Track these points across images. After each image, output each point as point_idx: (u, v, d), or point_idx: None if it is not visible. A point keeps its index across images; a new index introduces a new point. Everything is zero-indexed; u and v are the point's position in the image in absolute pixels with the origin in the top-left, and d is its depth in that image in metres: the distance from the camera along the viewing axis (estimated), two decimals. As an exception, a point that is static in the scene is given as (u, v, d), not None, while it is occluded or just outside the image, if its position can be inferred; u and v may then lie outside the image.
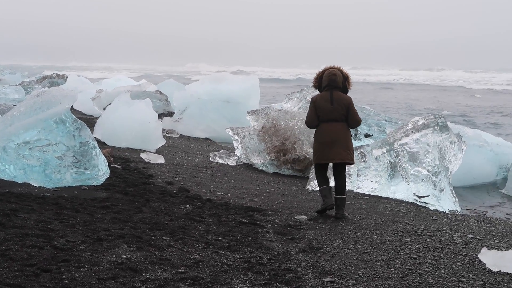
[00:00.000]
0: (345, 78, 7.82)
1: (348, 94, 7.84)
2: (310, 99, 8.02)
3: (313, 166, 9.03)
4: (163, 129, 14.39)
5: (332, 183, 7.80)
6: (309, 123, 7.79)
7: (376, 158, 9.45)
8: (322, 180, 7.75)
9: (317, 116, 7.65)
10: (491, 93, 48.63)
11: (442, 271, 5.58)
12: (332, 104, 7.55)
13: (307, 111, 7.87)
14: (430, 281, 5.25)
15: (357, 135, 12.97)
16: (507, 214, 9.82)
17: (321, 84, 7.83)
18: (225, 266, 5.24)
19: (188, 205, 7.51)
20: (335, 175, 7.71)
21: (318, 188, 9.07)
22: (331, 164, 7.83)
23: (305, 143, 11.21)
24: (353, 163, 7.77)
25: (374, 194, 9.36)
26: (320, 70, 7.94)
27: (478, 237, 7.11)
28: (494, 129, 22.73)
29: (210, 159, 12.01)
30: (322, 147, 7.59)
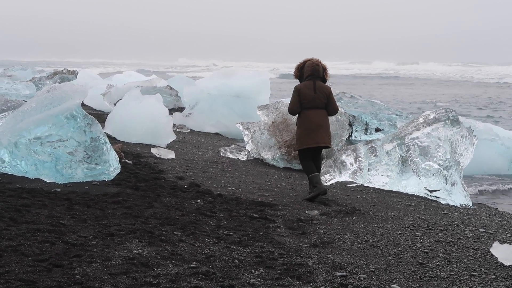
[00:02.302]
0: (324, 69, 8.53)
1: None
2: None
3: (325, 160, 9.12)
4: (174, 124, 14.41)
5: None
6: (292, 109, 8.43)
7: (387, 153, 9.41)
8: (311, 168, 8.29)
9: (300, 103, 8.27)
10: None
11: (454, 265, 5.56)
12: (315, 92, 8.25)
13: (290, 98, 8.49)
14: (442, 275, 5.24)
15: (368, 130, 12.92)
16: (519, 208, 9.76)
17: (302, 74, 8.51)
18: (237, 261, 5.24)
19: (199, 200, 7.52)
20: (312, 158, 8.34)
21: (329, 182, 9.08)
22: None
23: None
24: (330, 147, 8.69)
25: (385, 188, 9.33)
26: (301, 62, 8.61)
27: (490, 231, 7.08)
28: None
29: (221, 154, 12.01)
30: (307, 132, 8.22)
